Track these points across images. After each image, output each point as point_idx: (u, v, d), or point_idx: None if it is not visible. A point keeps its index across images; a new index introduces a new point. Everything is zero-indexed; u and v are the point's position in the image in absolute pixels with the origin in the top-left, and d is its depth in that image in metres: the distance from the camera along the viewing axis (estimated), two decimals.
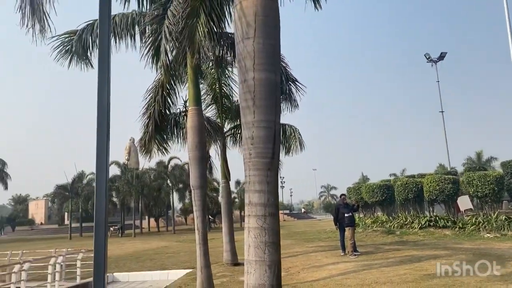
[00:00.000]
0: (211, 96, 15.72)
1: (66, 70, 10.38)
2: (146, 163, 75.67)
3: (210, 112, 16.31)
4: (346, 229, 14.60)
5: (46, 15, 6.32)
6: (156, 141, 12.02)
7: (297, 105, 10.57)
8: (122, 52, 11.24)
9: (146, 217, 54.19)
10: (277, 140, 4.42)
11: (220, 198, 16.30)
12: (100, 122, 4.81)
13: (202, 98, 15.88)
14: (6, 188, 47.20)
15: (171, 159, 50.31)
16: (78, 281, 14.50)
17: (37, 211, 71.98)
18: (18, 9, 6.20)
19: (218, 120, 16.12)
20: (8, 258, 16.92)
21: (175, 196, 51.37)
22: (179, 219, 60.17)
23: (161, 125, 11.83)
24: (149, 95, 11.67)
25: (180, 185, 49.51)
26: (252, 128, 4.33)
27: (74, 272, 14.72)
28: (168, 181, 48.39)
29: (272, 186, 4.27)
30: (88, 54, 10.55)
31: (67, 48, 10.32)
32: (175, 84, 11.56)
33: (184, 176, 49.35)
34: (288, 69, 10.48)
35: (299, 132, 14.45)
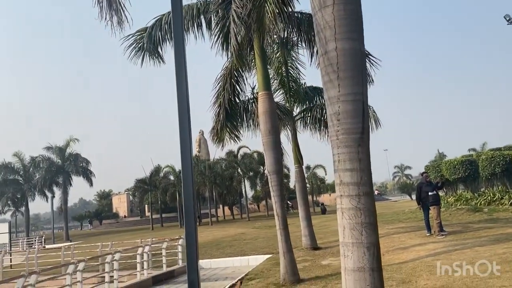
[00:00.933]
0: (278, 80, 15.47)
1: (144, 66, 10.65)
2: (216, 153, 77.57)
3: (277, 97, 16.10)
4: (431, 208, 13.79)
5: (122, 6, 6.45)
6: (228, 129, 12.06)
7: (372, 80, 10.03)
8: (189, 44, 11.37)
9: (220, 206, 55.68)
10: (366, 113, 4.10)
11: (294, 183, 16.07)
12: (181, 114, 4.77)
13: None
14: (91, 185, 50.86)
15: (240, 148, 51.09)
16: (165, 269, 15.18)
17: (120, 205, 76.85)
18: (96, 3, 6.39)
19: (287, 104, 15.89)
20: (99, 250, 18.14)
21: (247, 184, 52.18)
22: (251, 206, 61.11)
23: (231, 113, 11.84)
24: (218, 84, 11.70)
25: (251, 173, 50.15)
26: (338, 103, 4.05)
27: (159, 260, 15.43)
28: (239, 170, 49.18)
29: (364, 163, 3.98)
30: (159, 49, 10.76)
31: (139, 46, 10.61)
32: (242, 71, 11.46)
33: (253, 164, 49.95)
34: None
35: (373, 110, 13.80)
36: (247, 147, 51.46)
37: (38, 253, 19.02)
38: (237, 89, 11.62)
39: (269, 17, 7.84)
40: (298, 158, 15.54)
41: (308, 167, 52.21)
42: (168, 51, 11.02)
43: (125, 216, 72.17)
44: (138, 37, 10.58)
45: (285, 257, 9.71)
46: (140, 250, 13.67)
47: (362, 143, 3.99)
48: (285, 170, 49.75)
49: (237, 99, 11.92)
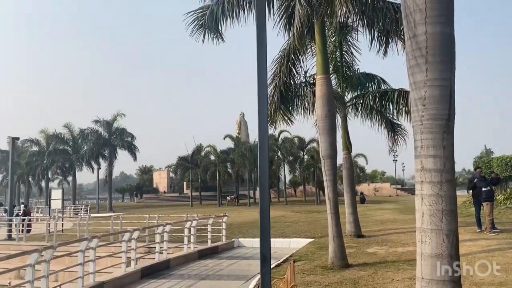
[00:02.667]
0: (332, 65, 15.27)
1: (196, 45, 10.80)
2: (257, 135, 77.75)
3: None
4: (484, 204, 13.37)
5: None
6: (281, 111, 12.10)
7: None
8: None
9: (258, 188, 56.16)
10: (453, 100, 4.02)
11: (342, 170, 15.96)
12: (260, 92, 4.85)
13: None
14: (135, 159, 52.57)
15: (281, 132, 51.03)
16: (209, 244, 15.60)
17: (160, 181, 79.06)
18: None
19: (339, 89, 15.70)
20: (147, 221, 18.88)
21: (286, 169, 52.29)
22: (288, 191, 61.20)
23: (285, 95, 11.85)
24: (274, 65, 11.71)
25: (290, 158, 50.15)
26: (424, 88, 3.99)
27: (204, 236, 15.85)
28: (279, 154, 49.32)
29: (448, 150, 3.92)
30: (219, 27, 10.86)
31: (200, 23, 10.75)
32: (300, 54, 11.41)
33: (294, 149, 49.89)
34: None
35: None
36: (288, 132, 51.41)
37: (88, 220, 20.05)
38: (293, 72, 11.60)
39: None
40: (347, 145, 15.42)
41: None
42: (228, 29, 11.09)
43: (164, 192, 74.21)
44: (200, 14, 10.71)
45: (334, 241, 9.76)
46: (188, 224, 14.08)
47: (448, 129, 3.94)
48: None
49: (292, 82, 11.89)
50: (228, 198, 47.90)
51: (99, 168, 50.08)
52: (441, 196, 3.85)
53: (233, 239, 17.06)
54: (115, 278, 9.65)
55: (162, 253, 12.32)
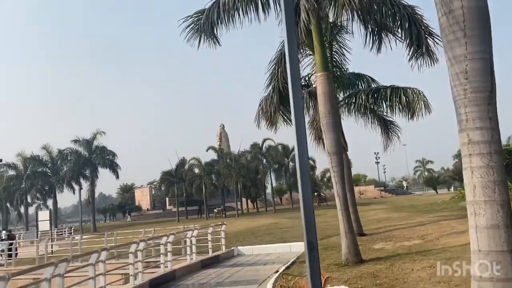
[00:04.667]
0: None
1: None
2: (241, 145, 77.62)
3: None
4: None
5: None
6: (281, 112, 12.07)
7: (437, 59, 9.87)
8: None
9: (244, 199, 55.78)
10: (493, 71, 4.05)
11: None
12: (295, 102, 4.79)
13: (311, 72, 15.69)
14: (117, 177, 51.52)
15: (264, 140, 51.06)
16: (210, 253, 15.32)
17: (142, 198, 77.59)
18: None
19: None
20: (142, 235, 18.44)
21: (272, 177, 52.17)
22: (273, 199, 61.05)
23: (285, 96, 11.84)
24: (272, 66, 11.72)
25: (275, 166, 50.12)
26: (465, 61, 4.01)
27: (203, 246, 15.54)
28: (264, 161, 49.26)
29: (494, 122, 3.94)
30: (215, 31, 10.80)
31: (196, 28, 10.67)
32: (298, 53, 11.44)
33: (278, 157, 49.89)
34: (425, 21, 9.81)
35: (424, 95, 13.63)
36: (272, 140, 51.47)
37: (75, 241, 19.40)
38: None
39: None
40: (343, 145, 15.47)
41: None
42: (223, 34, 11.06)
43: (147, 209, 72.86)
44: (196, 18, 10.64)
45: (347, 237, 9.71)
46: (189, 234, 13.82)
47: (491, 101, 3.96)
48: (311, 162, 49.70)
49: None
50: (215, 210, 47.37)
51: (80, 189, 48.84)
52: (491, 167, 3.85)
53: (232, 248, 16.81)
54: None
55: (166, 265, 12.01)
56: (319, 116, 17.15)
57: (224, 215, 45.63)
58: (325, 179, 56.79)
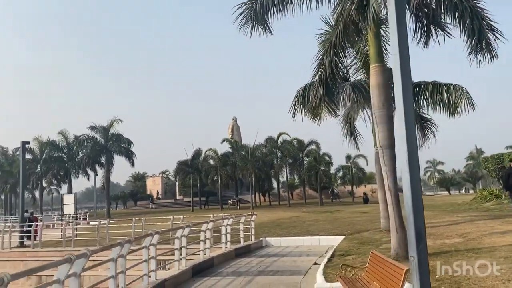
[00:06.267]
0: (362, 59, 15.21)
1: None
2: (252, 139, 77.72)
3: (359, 75, 15.87)
4: None
5: None
6: (325, 103, 11.93)
7: (497, 55, 9.64)
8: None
9: (256, 192, 55.83)
10: None
11: (375, 166, 15.84)
12: (405, 99, 4.68)
13: (350, 64, 15.51)
14: (132, 165, 51.71)
15: (280, 134, 51.04)
16: (242, 243, 15.32)
17: (154, 187, 78.06)
18: None
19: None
20: (171, 222, 18.50)
21: (285, 171, 52.13)
22: (284, 194, 61.01)
23: (331, 87, 11.69)
24: (319, 56, 11.57)
25: (290, 160, 50.04)
26: None
27: (235, 235, 15.51)
28: (278, 156, 49.23)
29: None
30: (268, 19, 10.68)
31: (249, 16, 10.55)
32: (346, 43, 11.29)
33: (293, 151, 49.79)
34: (487, 14, 9.56)
35: (467, 92, 13.41)
36: (287, 134, 51.39)
37: (102, 225, 19.43)
38: (339, 62, 11.47)
39: None
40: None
41: (348, 157, 51.69)
42: (274, 21, 10.93)
43: (159, 198, 73.26)
44: (249, 5, 10.52)
45: (397, 231, 9.60)
46: (225, 222, 13.82)
47: None
48: (327, 158, 49.52)
49: (336, 74, 11.74)
50: (230, 201, 47.50)
51: (96, 175, 49.26)
52: None
53: (261, 238, 16.78)
54: (173, 276, 9.31)
55: (205, 252, 12.00)
56: (351, 111, 17.08)
57: (238, 207, 45.71)
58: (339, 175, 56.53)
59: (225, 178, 47.86)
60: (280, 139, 51.03)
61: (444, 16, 10.37)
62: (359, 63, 15.85)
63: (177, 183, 70.06)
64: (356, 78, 15.74)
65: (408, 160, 4.39)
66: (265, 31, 10.88)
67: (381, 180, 15.26)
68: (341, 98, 13.77)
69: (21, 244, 21.01)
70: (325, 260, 10.93)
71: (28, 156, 55.22)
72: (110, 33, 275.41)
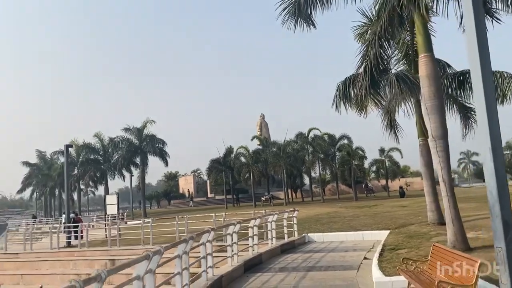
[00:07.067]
0: (403, 49, 14.93)
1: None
2: (281, 135, 77.32)
3: (400, 67, 15.58)
4: None
5: None
6: (371, 96, 11.76)
7: None
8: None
9: (288, 188, 55.75)
10: None
11: (419, 158, 15.52)
12: (488, 96, 4.56)
13: (390, 56, 15.21)
14: (166, 165, 52.62)
15: (310, 130, 50.76)
16: (286, 239, 15.33)
17: (186, 186, 79.15)
18: None
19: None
20: (214, 221, 18.70)
21: (316, 167, 51.79)
22: (316, 190, 60.65)
23: (376, 79, 11.52)
24: (364, 48, 11.42)
25: (322, 155, 49.69)
26: None
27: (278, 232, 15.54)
28: (310, 151, 49.00)
29: None
30: (311, 13, 10.62)
31: (292, 10, 10.53)
32: (393, 33, 11.08)
33: (325, 146, 49.41)
34: None
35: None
36: (318, 129, 51.06)
37: (146, 224, 19.80)
38: (385, 54, 11.29)
39: None
40: (423, 131, 14.99)
41: (382, 150, 50.82)
42: (317, 15, 10.86)
43: (191, 197, 74.29)
44: (293, 0, 10.49)
45: (454, 224, 9.39)
46: (270, 218, 13.88)
47: None
48: (360, 152, 48.92)
49: (382, 66, 11.55)
50: (262, 198, 47.63)
51: (131, 175, 50.30)
52: None
53: (303, 234, 16.76)
54: (228, 272, 9.42)
55: (253, 248, 12.08)
56: (391, 103, 16.77)
57: (271, 204, 45.78)
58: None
59: (258, 175, 47.99)
60: (311, 134, 50.81)
61: (496, 3, 10.04)
62: (400, 54, 15.58)
63: (208, 182, 70.80)
64: (396, 70, 15.45)
65: (491, 148, 4.28)
66: (309, 25, 10.82)
67: (427, 172, 15.02)
68: (383, 90, 13.54)
69: (68, 244, 21.70)
70: (376, 254, 10.81)
71: (63, 159, 57.17)
72: (137, 33, 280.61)
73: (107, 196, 25.91)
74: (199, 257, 8.61)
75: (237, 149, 49.71)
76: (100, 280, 3.72)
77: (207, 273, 8.42)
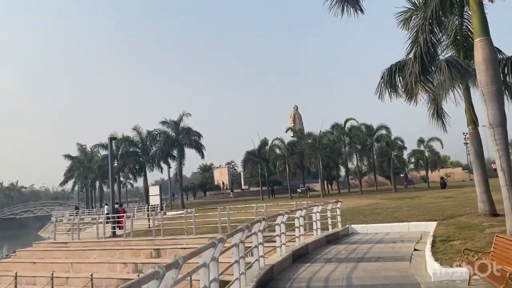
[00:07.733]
0: (452, 33, 14.35)
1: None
2: (323, 126, 76.89)
3: (448, 53, 15.01)
4: None
5: None
6: (422, 83, 11.41)
7: None
8: None
9: (324, 180, 55.28)
10: None
11: (470, 147, 14.96)
12: None
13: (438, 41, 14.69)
14: (202, 157, 53.19)
15: (347, 120, 50.05)
16: (330, 230, 15.23)
17: (220, 178, 80.00)
18: None
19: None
20: (255, 211, 18.81)
21: (353, 158, 51.06)
22: (352, 181, 59.81)
23: (428, 66, 11.16)
24: (412, 34, 11.07)
25: (359, 146, 48.92)
26: None
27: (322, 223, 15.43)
28: (347, 142, 48.36)
29: None
30: None
31: None
32: (445, 16, 10.68)
33: (362, 137, 48.59)
34: None
35: None
36: (355, 120, 50.26)
37: (189, 214, 20.14)
38: (436, 39, 10.90)
39: None
40: (473, 119, 14.44)
41: (421, 140, 49.47)
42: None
43: (226, 188, 74.98)
44: None
45: None
46: (315, 209, 13.80)
47: None
48: (399, 142, 47.76)
49: (433, 51, 11.17)
50: (298, 190, 47.45)
51: (169, 168, 51.22)
52: None
53: (347, 226, 16.58)
54: (278, 262, 9.43)
55: (299, 237, 12.05)
56: (439, 91, 16.21)
57: (307, 195, 45.54)
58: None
59: (293, 166, 47.81)
60: (347, 125, 50.10)
61: None
62: (447, 40, 15.00)
63: (242, 173, 71.17)
64: (444, 56, 14.90)
65: None
66: (356, 11, 10.58)
67: (477, 162, 14.48)
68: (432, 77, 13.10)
69: (113, 234, 22.39)
70: (428, 246, 10.53)
71: (105, 152, 58.83)
72: (169, 31, 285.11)
73: (150, 187, 26.54)
74: (250, 247, 8.66)
75: (272, 141, 49.68)
76: (178, 266, 3.77)
77: (259, 262, 8.44)
